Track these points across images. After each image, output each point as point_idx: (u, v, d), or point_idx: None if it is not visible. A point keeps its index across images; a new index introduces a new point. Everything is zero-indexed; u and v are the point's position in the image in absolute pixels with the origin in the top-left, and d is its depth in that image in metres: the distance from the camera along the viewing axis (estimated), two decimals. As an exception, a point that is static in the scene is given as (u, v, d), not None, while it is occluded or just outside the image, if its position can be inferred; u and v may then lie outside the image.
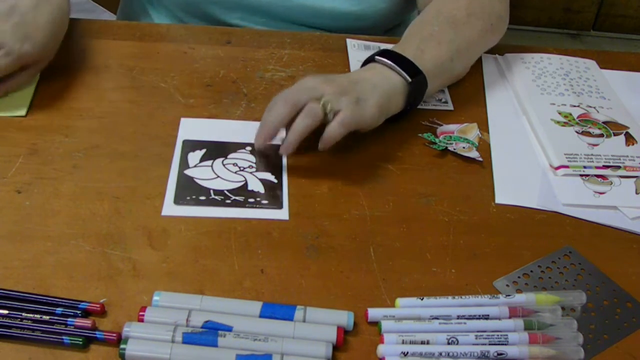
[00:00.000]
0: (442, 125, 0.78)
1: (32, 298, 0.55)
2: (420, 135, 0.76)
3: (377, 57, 0.74)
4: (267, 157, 0.71)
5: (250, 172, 0.69)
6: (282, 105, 0.67)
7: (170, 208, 0.65)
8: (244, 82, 0.81)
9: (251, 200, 0.66)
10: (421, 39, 0.77)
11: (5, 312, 0.54)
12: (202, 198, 0.66)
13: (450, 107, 0.81)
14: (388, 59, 0.74)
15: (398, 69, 0.73)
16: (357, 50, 0.87)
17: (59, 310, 0.54)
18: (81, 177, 0.67)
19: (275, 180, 0.69)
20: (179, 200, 0.66)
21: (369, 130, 0.72)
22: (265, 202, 0.66)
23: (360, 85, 0.70)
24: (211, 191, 0.67)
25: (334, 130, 0.67)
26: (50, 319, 0.53)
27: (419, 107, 0.78)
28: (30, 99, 0.75)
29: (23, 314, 0.54)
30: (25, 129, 0.72)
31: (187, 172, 0.68)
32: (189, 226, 0.63)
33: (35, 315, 0.53)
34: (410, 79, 0.73)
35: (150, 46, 0.85)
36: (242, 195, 0.67)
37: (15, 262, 0.59)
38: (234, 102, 0.78)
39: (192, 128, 0.74)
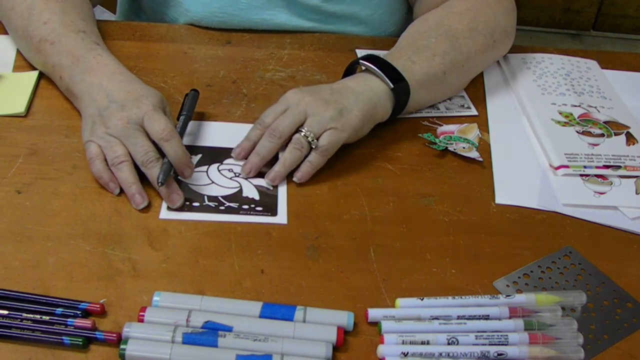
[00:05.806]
0: (442, 125, 0.78)
1: (32, 298, 0.55)
2: (420, 135, 0.76)
3: (361, 61, 0.74)
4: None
5: (246, 178, 0.69)
6: (268, 139, 0.68)
7: (164, 213, 0.64)
8: (244, 82, 0.81)
9: (245, 207, 0.66)
10: (414, 50, 0.76)
11: (5, 312, 0.54)
12: (196, 204, 0.66)
13: (474, 112, 0.81)
14: (372, 64, 0.73)
15: (380, 73, 0.72)
16: None
17: (58, 310, 0.54)
18: (81, 177, 0.67)
19: (271, 187, 0.68)
20: None
21: (358, 139, 0.72)
22: (259, 209, 0.66)
23: (343, 95, 0.70)
24: (205, 197, 0.67)
25: (315, 160, 0.68)
26: (50, 319, 0.53)
27: (442, 115, 0.78)
28: (29, 97, 0.75)
29: (23, 314, 0.53)
30: (25, 129, 0.72)
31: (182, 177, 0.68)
32: (189, 226, 0.63)
33: (35, 316, 0.53)
34: (392, 85, 0.72)
35: (150, 46, 0.85)
36: (236, 202, 0.66)
37: (15, 262, 0.58)
38: (234, 103, 0.78)
39: (189, 131, 0.73)
